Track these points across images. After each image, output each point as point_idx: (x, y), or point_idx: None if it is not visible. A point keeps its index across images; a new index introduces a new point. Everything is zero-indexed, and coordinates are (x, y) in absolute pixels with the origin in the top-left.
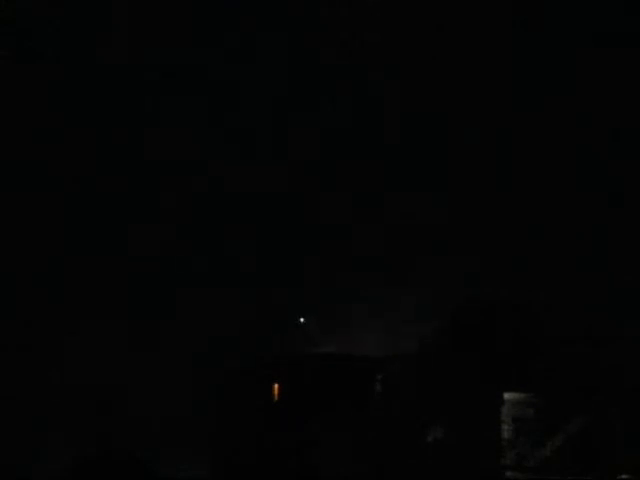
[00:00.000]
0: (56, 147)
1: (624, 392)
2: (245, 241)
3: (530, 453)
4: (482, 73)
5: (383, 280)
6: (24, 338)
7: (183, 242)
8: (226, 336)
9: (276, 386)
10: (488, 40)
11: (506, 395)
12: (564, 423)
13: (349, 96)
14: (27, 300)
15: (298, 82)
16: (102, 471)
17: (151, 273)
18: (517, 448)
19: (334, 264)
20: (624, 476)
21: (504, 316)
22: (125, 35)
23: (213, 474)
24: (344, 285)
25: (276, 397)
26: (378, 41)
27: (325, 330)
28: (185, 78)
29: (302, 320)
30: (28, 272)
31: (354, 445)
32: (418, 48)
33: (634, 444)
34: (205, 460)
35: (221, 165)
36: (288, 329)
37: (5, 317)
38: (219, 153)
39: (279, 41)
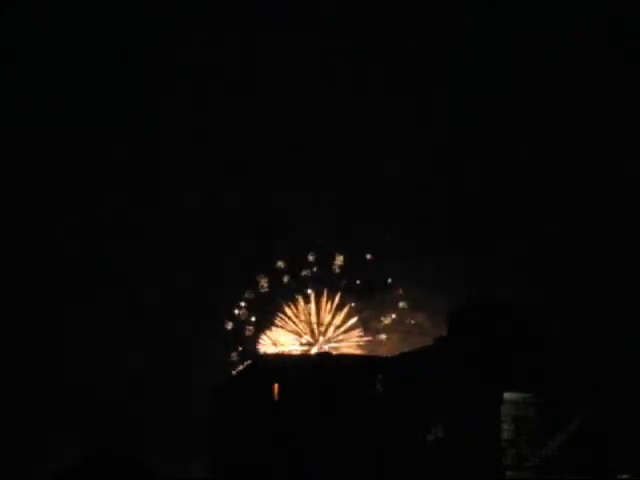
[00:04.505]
0: (56, 147)
1: (624, 392)
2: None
3: (530, 453)
4: (481, 72)
5: (382, 281)
6: (24, 338)
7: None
8: (225, 334)
9: (276, 386)
10: (487, 40)
11: (506, 395)
12: (564, 423)
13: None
14: (26, 300)
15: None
16: (102, 471)
17: (153, 275)
18: (517, 448)
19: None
20: (624, 476)
21: (504, 316)
22: (126, 35)
23: (213, 474)
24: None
25: (276, 397)
26: (378, 41)
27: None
28: (185, 78)
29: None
30: (28, 272)
31: (354, 444)
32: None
33: (634, 444)
34: (205, 460)
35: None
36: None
37: (5, 317)
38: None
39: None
